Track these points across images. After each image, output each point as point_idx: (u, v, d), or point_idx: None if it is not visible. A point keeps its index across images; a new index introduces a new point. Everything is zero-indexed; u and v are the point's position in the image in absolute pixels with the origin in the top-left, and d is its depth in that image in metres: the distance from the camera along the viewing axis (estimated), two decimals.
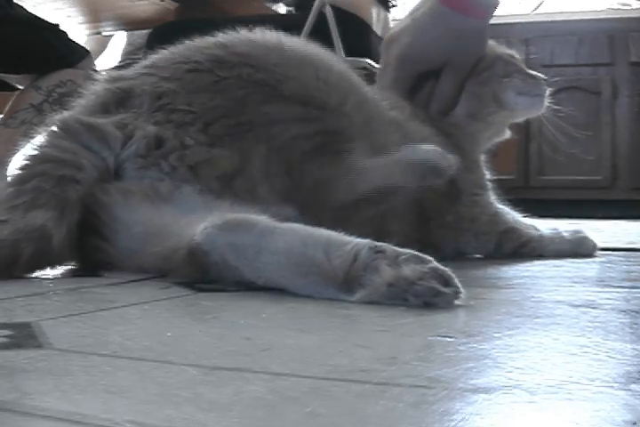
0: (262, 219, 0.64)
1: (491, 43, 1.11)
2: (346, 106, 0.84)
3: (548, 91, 1.10)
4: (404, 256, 0.59)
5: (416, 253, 0.60)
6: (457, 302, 0.58)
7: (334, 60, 0.93)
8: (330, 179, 0.79)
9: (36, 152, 0.75)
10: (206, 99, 0.79)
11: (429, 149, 0.84)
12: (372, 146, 0.85)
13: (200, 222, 0.66)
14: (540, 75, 1.11)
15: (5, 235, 0.68)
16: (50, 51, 1.66)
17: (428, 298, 0.57)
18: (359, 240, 0.61)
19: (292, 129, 0.79)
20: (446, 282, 0.58)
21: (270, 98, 0.80)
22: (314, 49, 0.89)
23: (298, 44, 0.89)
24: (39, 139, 0.77)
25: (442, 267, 0.59)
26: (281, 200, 0.76)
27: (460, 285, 0.58)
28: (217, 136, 0.77)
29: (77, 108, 0.82)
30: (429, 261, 0.59)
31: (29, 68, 1.67)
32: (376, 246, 0.60)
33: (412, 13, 1.11)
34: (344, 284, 0.60)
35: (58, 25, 1.73)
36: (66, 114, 0.81)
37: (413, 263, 0.58)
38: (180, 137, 0.77)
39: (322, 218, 0.71)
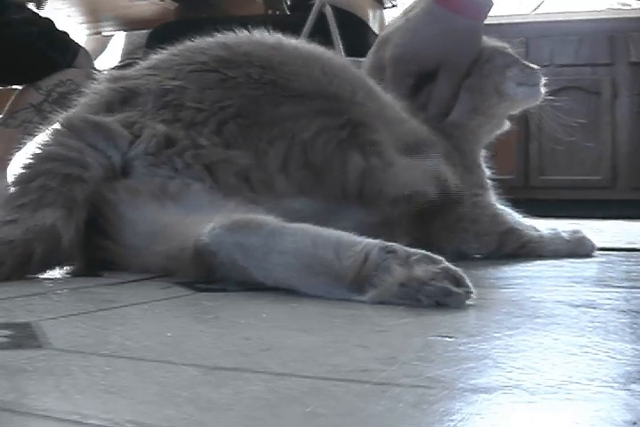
0: (270, 219, 0.64)
1: (483, 37, 1.11)
2: (358, 96, 0.85)
3: (544, 80, 1.10)
4: (415, 257, 0.59)
5: (427, 253, 0.60)
6: (468, 301, 0.58)
7: (334, 54, 0.94)
8: (370, 169, 0.80)
9: (40, 151, 0.75)
10: (217, 97, 0.79)
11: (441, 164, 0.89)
12: (392, 135, 0.87)
13: (206, 222, 0.66)
14: (534, 65, 1.11)
15: (17, 234, 0.68)
16: (40, 59, 1.65)
17: (440, 298, 0.57)
18: (370, 240, 0.61)
19: (315, 123, 0.80)
20: (458, 282, 0.58)
21: (284, 98, 0.80)
22: (311, 46, 0.90)
23: (296, 42, 0.90)
24: (43, 138, 0.77)
25: (453, 267, 0.59)
26: (299, 193, 0.77)
27: (471, 284, 0.58)
28: (232, 137, 0.77)
29: (81, 107, 0.82)
30: (440, 262, 0.59)
31: (25, 78, 1.67)
32: (387, 247, 0.60)
33: (405, 13, 1.11)
34: (355, 284, 0.60)
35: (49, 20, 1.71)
36: (70, 112, 0.81)
37: (425, 263, 0.58)
38: (192, 138, 0.77)
39: (343, 210, 0.72)
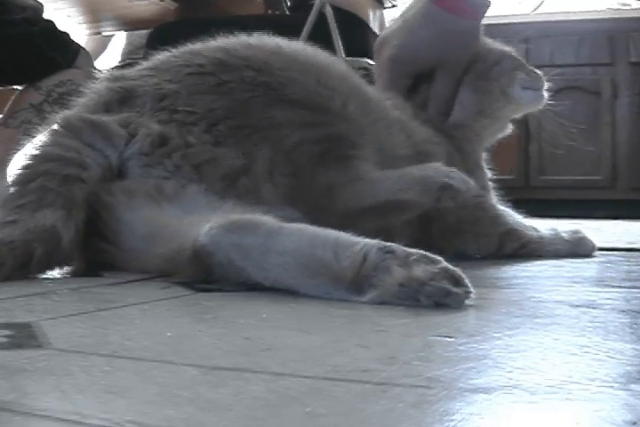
0: (268, 219, 0.64)
1: (489, 40, 1.12)
2: (348, 109, 0.84)
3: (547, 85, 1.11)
4: (414, 257, 0.59)
5: (425, 253, 0.60)
6: (468, 301, 0.58)
7: (334, 61, 0.93)
8: (336, 186, 0.79)
9: (38, 151, 0.75)
10: (209, 101, 0.79)
11: (448, 170, 0.84)
12: (379, 149, 0.85)
13: (204, 223, 0.65)
14: (537, 70, 1.12)
15: (17, 235, 0.68)
16: (41, 60, 1.65)
17: (440, 298, 0.57)
18: (368, 241, 0.61)
19: (297, 134, 0.79)
20: (457, 282, 0.58)
21: (275, 101, 0.80)
22: (313, 52, 0.89)
23: (296, 47, 0.89)
24: (41, 138, 0.77)
25: (452, 267, 0.59)
26: (284, 202, 0.76)
27: (470, 284, 0.58)
28: (221, 136, 0.77)
29: (79, 107, 0.82)
30: (439, 262, 0.59)
31: (25, 79, 1.67)
32: (385, 247, 0.60)
33: (403, 15, 1.12)
34: (354, 284, 0.60)
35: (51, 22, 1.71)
36: (68, 112, 0.81)
37: (424, 264, 0.58)
38: (183, 136, 0.77)
39: (325, 222, 0.71)
